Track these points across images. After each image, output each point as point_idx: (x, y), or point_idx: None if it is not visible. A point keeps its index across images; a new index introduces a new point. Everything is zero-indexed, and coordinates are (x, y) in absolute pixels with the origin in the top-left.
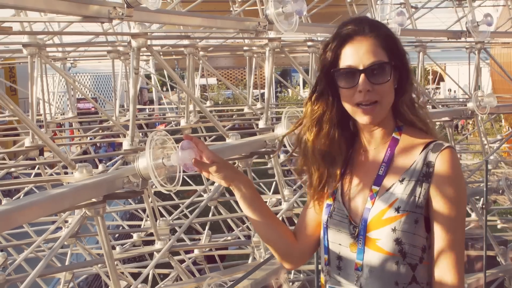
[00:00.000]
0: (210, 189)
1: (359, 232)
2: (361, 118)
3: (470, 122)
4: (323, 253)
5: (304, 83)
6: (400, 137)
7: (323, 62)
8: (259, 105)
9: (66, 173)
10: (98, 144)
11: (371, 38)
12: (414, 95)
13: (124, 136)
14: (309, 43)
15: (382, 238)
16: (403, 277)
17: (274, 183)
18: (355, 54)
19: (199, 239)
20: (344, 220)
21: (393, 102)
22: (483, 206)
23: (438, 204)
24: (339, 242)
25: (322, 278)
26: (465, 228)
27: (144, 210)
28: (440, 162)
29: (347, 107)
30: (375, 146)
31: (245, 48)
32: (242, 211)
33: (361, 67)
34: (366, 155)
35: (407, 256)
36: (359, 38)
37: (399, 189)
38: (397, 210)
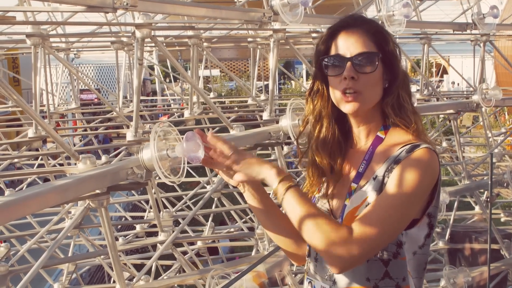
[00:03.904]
0: (214, 181)
1: None
2: (344, 107)
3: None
4: (307, 244)
5: (308, 75)
6: (384, 136)
7: (316, 55)
8: (262, 97)
9: (69, 164)
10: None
11: (361, 30)
12: (403, 99)
13: (128, 127)
14: (314, 35)
15: None
16: (374, 273)
17: None
18: (344, 44)
19: (202, 231)
20: None
21: (380, 101)
22: (488, 199)
23: (387, 183)
24: None
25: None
26: (401, 218)
27: (147, 202)
28: (407, 160)
29: (334, 96)
30: (361, 143)
31: (249, 39)
32: (245, 203)
33: (348, 56)
34: (353, 152)
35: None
36: (349, 30)
37: (371, 186)
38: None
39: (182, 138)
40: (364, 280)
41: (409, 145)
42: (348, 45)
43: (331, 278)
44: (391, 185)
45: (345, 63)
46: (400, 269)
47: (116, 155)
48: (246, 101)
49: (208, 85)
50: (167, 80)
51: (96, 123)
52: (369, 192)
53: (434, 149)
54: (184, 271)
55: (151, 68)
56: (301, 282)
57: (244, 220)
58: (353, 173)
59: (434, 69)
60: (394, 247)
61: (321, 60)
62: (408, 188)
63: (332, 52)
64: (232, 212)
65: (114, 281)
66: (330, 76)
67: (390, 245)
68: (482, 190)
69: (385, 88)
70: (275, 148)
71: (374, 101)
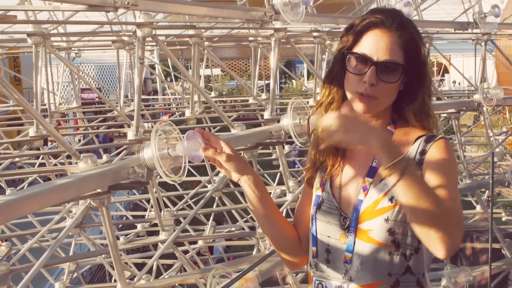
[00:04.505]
0: (215, 180)
1: (350, 223)
2: (356, 106)
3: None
4: (311, 245)
5: (309, 74)
6: (394, 130)
7: (342, 43)
8: (264, 96)
9: (70, 163)
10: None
11: (395, 34)
12: (429, 108)
13: (129, 126)
14: (315, 34)
15: (374, 229)
16: (396, 267)
17: (278, 174)
18: (373, 45)
19: (203, 230)
20: (333, 212)
21: (395, 101)
22: (489, 199)
23: (428, 178)
24: (328, 234)
25: (310, 271)
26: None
27: (148, 201)
28: (433, 150)
29: (348, 92)
30: None
31: (250, 38)
32: (246, 203)
33: (375, 59)
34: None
35: (401, 246)
36: (383, 30)
37: (393, 179)
38: (391, 200)
39: (183, 137)
40: (385, 275)
41: (424, 136)
42: (377, 48)
43: (349, 276)
44: (435, 176)
45: (369, 66)
46: (419, 264)
47: (117, 154)
48: (247, 100)
49: (209, 84)
50: (168, 79)
51: (97, 122)
52: (391, 184)
53: (448, 139)
54: (185, 270)
55: (152, 67)
56: (303, 281)
57: (245, 219)
58: (363, 168)
59: (435, 68)
60: (415, 241)
61: (346, 54)
62: (452, 177)
63: (359, 47)
64: (233, 211)
65: (115, 280)
66: (350, 72)
67: (412, 239)
68: (483, 190)
69: (401, 90)
70: (276, 147)
71: (387, 105)
